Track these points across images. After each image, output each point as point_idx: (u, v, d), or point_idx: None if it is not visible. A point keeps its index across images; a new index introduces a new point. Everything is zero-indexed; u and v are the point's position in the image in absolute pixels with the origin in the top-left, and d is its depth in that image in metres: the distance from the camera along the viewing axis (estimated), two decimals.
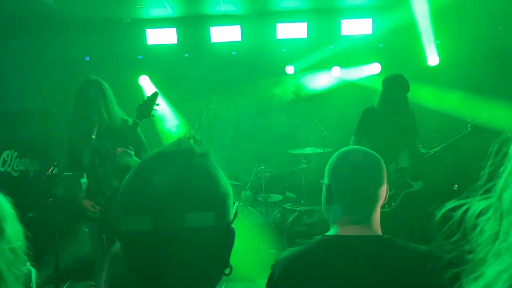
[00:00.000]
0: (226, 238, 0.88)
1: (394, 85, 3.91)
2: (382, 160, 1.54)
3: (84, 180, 3.52)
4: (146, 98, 3.39)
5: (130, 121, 3.50)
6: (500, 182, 0.55)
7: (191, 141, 0.89)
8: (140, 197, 0.82)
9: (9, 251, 1.22)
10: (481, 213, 0.58)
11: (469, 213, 0.59)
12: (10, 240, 1.24)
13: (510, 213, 0.51)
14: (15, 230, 1.28)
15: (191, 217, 0.81)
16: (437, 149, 3.96)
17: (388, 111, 3.92)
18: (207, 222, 0.83)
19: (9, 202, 1.31)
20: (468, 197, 0.61)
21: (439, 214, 0.67)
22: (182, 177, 0.84)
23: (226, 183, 0.90)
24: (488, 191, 0.59)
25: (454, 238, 0.62)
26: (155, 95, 3.40)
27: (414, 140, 4.08)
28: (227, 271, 0.89)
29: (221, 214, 0.87)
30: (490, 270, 0.51)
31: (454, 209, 0.61)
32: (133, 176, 0.86)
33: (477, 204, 0.59)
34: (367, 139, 3.93)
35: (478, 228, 0.58)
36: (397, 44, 6.47)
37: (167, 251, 0.81)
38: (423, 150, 4.05)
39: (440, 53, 6.46)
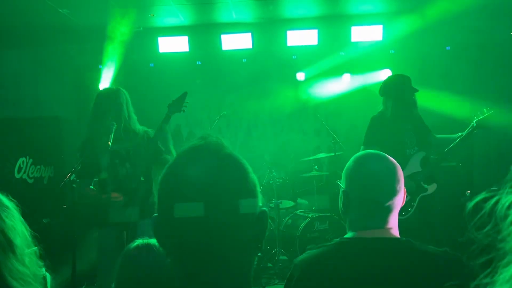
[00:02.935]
0: (261, 220, 0.93)
1: (403, 84, 3.90)
2: (399, 165, 1.54)
3: (91, 187, 3.60)
4: (175, 98, 3.63)
5: (151, 132, 3.68)
6: None
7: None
8: (180, 188, 0.87)
9: (21, 265, 1.21)
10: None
11: (500, 204, 0.61)
12: (21, 252, 1.23)
13: None
14: (24, 237, 1.26)
15: (238, 204, 0.88)
16: (446, 149, 3.95)
17: (398, 114, 3.89)
18: (251, 209, 0.90)
19: (15, 205, 1.30)
20: (498, 189, 0.63)
21: (471, 204, 0.69)
22: (218, 166, 0.89)
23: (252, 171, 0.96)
24: None
25: (486, 228, 0.64)
26: (184, 94, 3.64)
27: (426, 141, 4.05)
28: (260, 253, 0.94)
29: (255, 197, 0.93)
30: None
31: (485, 200, 0.64)
32: (171, 170, 0.91)
33: (507, 196, 0.61)
34: (378, 147, 3.91)
35: (510, 218, 0.59)
36: (408, 50, 6.46)
37: (210, 236, 0.86)
38: (434, 155, 4.03)
39: (451, 59, 6.44)
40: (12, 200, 1.30)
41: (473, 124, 3.82)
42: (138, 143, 3.61)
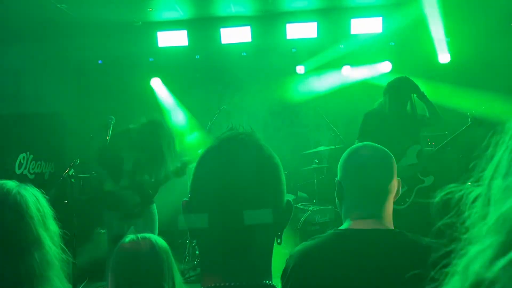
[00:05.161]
0: (288, 210, 0.96)
1: (400, 87, 3.98)
2: (392, 156, 1.55)
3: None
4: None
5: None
6: (490, 171, 0.59)
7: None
8: (226, 180, 0.88)
9: (53, 244, 1.35)
10: (475, 199, 0.60)
11: (465, 198, 0.62)
12: (52, 235, 1.36)
13: (497, 200, 0.55)
14: (54, 227, 1.39)
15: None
16: (441, 145, 4.02)
17: (393, 113, 3.96)
18: (284, 201, 0.94)
19: (47, 201, 1.42)
20: (465, 182, 0.64)
21: (439, 196, 0.71)
22: (262, 162, 0.91)
23: None
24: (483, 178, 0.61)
25: (450, 219, 0.66)
26: None
27: (420, 137, 4.11)
28: (279, 240, 0.97)
29: (284, 185, 0.95)
30: (473, 250, 0.54)
31: (453, 193, 0.64)
32: (215, 160, 0.92)
33: (471, 190, 0.61)
34: (373, 140, 3.93)
35: (471, 212, 0.60)
36: (408, 42, 6.44)
37: (243, 227, 0.87)
38: (429, 148, 4.10)
39: (451, 51, 6.42)
40: (45, 197, 1.42)
41: (469, 122, 3.90)
42: (160, 157, 3.89)
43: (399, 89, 3.97)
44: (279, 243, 0.97)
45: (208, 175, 0.91)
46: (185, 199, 0.95)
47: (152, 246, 1.70)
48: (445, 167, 5.22)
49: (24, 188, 1.37)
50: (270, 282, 0.93)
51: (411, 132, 4.05)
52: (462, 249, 0.58)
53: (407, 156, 3.95)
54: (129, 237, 1.76)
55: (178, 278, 1.73)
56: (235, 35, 6.38)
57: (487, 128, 3.83)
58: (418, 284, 1.34)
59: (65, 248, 1.41)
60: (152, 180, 3.94)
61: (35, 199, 1.36)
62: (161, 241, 1.75)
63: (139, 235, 1.75)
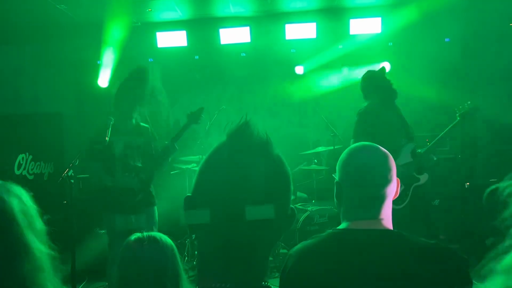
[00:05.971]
0: (291, 216, 0.98)
1: (373, 76, 4.07)
2: (391, 155, 1.54)
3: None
4: (194, 110, 4.11)
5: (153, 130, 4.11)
6: None
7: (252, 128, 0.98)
8: (235, 181, 0.88)
9: (41, 244, 1.29)
10: None
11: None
12: (39, 234, 1.31)
13: None
14: (40, 225, 1.34)
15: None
16: (432, 143, 4.08)
17: (381, 105, 4.00)
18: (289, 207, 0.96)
19: (33, 202, 1.37)
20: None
21: (488, 190, 0.68)
22: (274, 168, 0.94)
23: None
24: None
25: (502, 215, 0.62)
26: (201, 109, 4.16)
27: (411, 133, 4.15)
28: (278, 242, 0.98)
29: (291, 196, 0.97)
30: None
31: (503, 188, 0.61)
32: (226, 158, 0.91)
33: None
34: (368, 139, 3.95)
35: None
36: (407, 43, 6.45)
37: (245, 229, 0.87)
38: (420, 150, 4.16)
39: (450, 51, 6.43)
40: (29, 193, 1.37)
41: (457, 118, 4.02)
42: (148, 140, 3.99)
43: (375, 77, 4.04)
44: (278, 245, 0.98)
45: (215, 178, 0.90)
46: (188, 194, 0.94)
47: (157, 242, 1.72)
48: (445, 167, 5.26)
49: (7, 190, 1.28)
50: (267, 283, 0.93)
51: (404, 129, 4.09)
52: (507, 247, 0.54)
53: (402, 155, 3.98)
54: (135, 235, 1.78)
55: (183, 275, 1.75)
56: (234, 36, 6.39)
57: (474, 123, 3.95)
58: (416, 285, 1.35)
59: (53, 245, 1.37)
60: (146, 168, 3.92)
61: (18, 201, 1.28)
62: (166, 239, 1.77)
63: (145, 233, 1.77)
